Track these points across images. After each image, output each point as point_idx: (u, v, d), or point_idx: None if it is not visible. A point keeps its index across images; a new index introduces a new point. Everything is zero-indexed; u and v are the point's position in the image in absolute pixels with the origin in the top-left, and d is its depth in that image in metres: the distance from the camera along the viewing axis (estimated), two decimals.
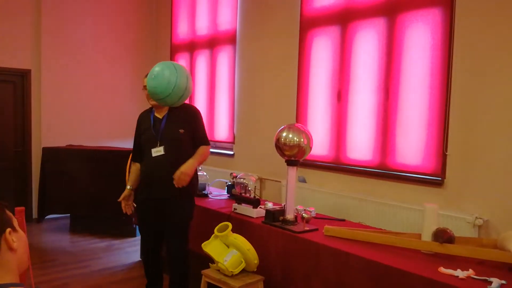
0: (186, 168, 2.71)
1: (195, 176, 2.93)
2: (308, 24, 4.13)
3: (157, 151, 2.77)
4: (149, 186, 2.84)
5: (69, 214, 5.35)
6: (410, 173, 3.35)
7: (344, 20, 3.80)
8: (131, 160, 3.09)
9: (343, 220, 3.06)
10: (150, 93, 2.64)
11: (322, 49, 4.01)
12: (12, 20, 5.38)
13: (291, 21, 4.27)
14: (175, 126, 2.82)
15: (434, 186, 3.19)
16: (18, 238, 1.18)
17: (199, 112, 2.97)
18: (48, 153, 5.28)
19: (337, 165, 3.88)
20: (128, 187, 2.98)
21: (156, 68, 2.61)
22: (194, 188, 2.97)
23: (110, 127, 6.22)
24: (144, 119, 2.94)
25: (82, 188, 5.06)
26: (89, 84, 6.01)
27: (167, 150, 2.77)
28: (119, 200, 2.97)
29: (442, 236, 2.21)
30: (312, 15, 4.09)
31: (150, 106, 2.93)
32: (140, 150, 2.94)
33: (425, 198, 3.18)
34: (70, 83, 5.82)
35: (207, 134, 3.01)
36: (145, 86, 2.87)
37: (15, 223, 1.21)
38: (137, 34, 6.45)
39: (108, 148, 5.52)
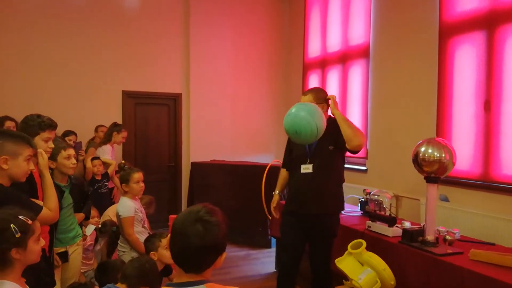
0: None
1: (341, 193, 2.95)
2: (449, 31, 3.86)
3: (306, 168, 2.84)
4: (296, 201, 2.90)
5: None
6: None
7: (490, 24, 3.46)
8: (281, 166, 3.19)
9: (493, 244, 2.75)
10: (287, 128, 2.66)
11: (465, 57, 3.70)
12: (166, 53, 6.22)
13: (429, 29, 4.05)
14: (326, 143, 2.83)
15: None
16: None
17: None
18: (196, 167, 5.91)
19: (486, 183, 3.50)
20: (276, 192, 3.16)
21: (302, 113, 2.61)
22: (341, 204, 2.97)
23: (248, 143, 6.69)
24: None
25: (224, 199, 5.49)
26: (229, 105, 6.57)
27: (315, 168, 2.82)
28: (272, 206, 3.13)
29: None
30: (453, 21, 3.82)
31: None
32: (289, 161, 3.06)
33: None
34: (213, 104, 6.44)
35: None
36: None
37: None
38: (271, 56, 6.86)
39: (246, 163, 5.91)
